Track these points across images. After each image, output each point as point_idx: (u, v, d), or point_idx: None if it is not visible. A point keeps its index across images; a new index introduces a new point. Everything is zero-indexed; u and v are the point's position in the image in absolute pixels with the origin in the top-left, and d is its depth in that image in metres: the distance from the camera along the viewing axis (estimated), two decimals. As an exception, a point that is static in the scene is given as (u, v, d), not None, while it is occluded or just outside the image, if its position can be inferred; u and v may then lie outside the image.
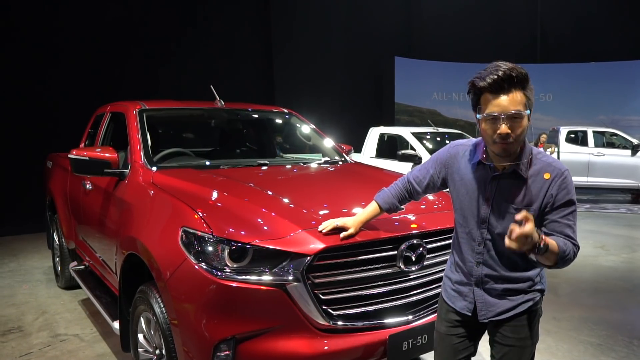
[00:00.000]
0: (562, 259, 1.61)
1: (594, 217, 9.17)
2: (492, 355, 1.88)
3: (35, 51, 7.77)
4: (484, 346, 1.96)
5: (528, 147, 1.72)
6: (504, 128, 1.59)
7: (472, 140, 1.88)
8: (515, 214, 1.57)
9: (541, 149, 1.90)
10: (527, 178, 1.68)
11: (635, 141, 10.69)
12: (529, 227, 1.45)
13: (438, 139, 7.89)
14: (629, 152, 10.59)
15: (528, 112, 1.62)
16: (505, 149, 1.63)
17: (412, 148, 7.33)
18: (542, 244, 1.52)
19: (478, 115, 1.66)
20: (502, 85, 1.59)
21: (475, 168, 1.79)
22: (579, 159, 10.79)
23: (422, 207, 2.64)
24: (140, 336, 2.62)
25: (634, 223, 8.63)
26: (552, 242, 1.57)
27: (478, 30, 15.50)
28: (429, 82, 15.17)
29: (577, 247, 1.66)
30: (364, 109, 13.83)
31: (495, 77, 1.58)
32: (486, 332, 1.91)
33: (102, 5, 8.47)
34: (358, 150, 8.40)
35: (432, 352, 2.04)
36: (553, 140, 11.10)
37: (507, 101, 1.59)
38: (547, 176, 1.67)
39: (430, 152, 7.16)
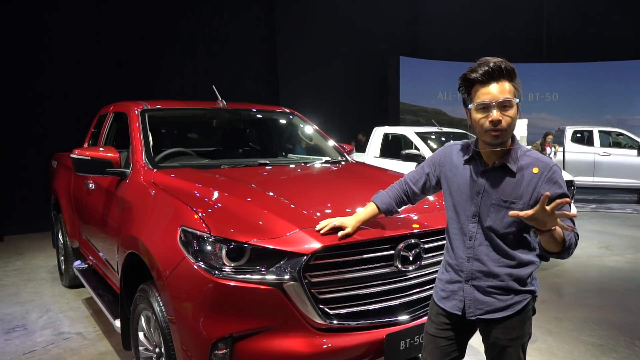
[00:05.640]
0: (566, 247, 1.65)
1: (600, 217, 9.11)
2: (485, 354, 1.89)
3: (39, 52, 7.83)
4: (482, 345, 1.96)
5: (518, 143, 1.77)
6: (495, 115, 1.67)
7: (465, 141, 1.93)
8: (503, 206, 1.69)
9: (529, 147, 1.93)
10: (516, 172, 1.73)
11: (641, 141, 10.63)
12: (529, 212, 1.53)
13: (442, 138, 7.84)
14: (635, 151, 10.52)
15: (517, 100, 1.70)
16: (497, 136, 1.69)
17: (416, 148, 7.30)
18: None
19: (470, 105, 1.74)
20: (492, 75, 1.68)
21: (467, 164, 1.84)
22: (585, 158, 10.74)
23: (423, 206, 2.63)
24: (141, 334, 2.64)
25: (639, 223, 8.57)
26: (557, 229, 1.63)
27: (483, 30, 15.45)
28: (434, 82, 15.13)
29: (576, 234, 1.69)
30: (368, 109, 13.84)
31: (486, 68, 1.68)
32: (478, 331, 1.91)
33: (106, 6, 8.52)
34: (362, 150, 8.39)
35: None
36: (559, 139, 11.04)
37: (497, 90, 1.68)
38: (535, 170, 1.71)
39: (434, 152, 7.13)
